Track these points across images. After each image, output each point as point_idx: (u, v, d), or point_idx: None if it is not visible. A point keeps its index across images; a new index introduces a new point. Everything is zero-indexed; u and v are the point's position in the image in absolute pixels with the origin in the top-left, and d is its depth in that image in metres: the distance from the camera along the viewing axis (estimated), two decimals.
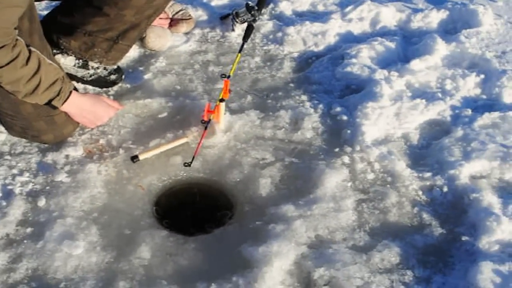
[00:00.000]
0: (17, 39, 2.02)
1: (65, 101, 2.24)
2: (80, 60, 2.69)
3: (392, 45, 2.93)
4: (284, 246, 1.98)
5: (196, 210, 2.27)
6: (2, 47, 1.95)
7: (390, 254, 1.98)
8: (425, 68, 2.74)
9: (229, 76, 2.39)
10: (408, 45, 2.99)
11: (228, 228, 2.15)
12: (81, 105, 2.33)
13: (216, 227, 2.16)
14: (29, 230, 2.08)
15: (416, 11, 3.22)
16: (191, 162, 2.31)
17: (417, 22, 3.14)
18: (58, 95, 2.20)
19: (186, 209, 2.24)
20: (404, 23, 3.16)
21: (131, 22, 2.57)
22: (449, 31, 3.11)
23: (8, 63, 1.99)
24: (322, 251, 1.98)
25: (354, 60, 2.81)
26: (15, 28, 1.99)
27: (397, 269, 1.94)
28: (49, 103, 2.20)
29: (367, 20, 3.17)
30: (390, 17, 3.18)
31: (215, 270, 1.96)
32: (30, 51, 2.08)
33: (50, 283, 1.90)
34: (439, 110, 2.53)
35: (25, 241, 2.03)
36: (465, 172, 2.24)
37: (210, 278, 1.91)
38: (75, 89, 2.36)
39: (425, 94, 2.60)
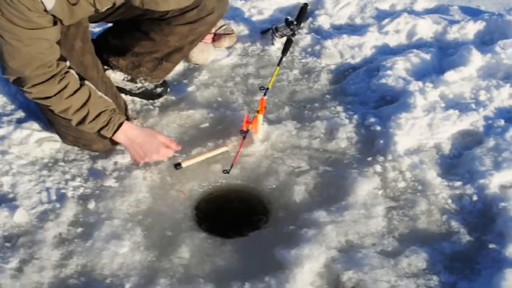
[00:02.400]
0: (67, 72, 2.20)
1: (115, 131, 2.34)
2: (129, 76, 2.86)
3: (427, 56, 2.97)
4: (315, 249, 2.05)
5: (234, 214, 2.36)
6: (49, 79, 2.15)
7: (417, 260, 2.02)
8: (459, 79, 2.77)
9: (265, 93, 2.52)
10: (443, 56, 3.01)
11: (263, 232, 2.25)
12: (133, 138, 2.39)
13: (252, 231, 2.25)
14: (79, 230, 2.22)
15: (452, 22, 3.25)
16: (229, 170, 2.43)
17: (453, 34, 3.16)
18: (106, 125, 2.32)
19: (224, 214, 2.34)
20: (440, 34, 3.20)
21: (175, 46, 2.73)
22: (485, 42, 3.11)
23: (55, 94, 2.19)
24: (352, 255, 2.04)
25: (389, 72, 2.86)
26: (62, 60, 2.18)
27: (424, 274, 1.98)
28: (99, 131, 2.34)
29: (404, 32, 3.22)
30: (426, 29, 3.22)
31: (249, 270, 2.06)
32: (81, 84, 2.25)
33: (97, 279, 2.03)
34: (472, 121, 2.55)
35: (75, 240, 2.17)
36: (495, 182, 2.26)
37: (244, 278, 2.00)
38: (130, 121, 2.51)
39: (458, 105, 2.63)
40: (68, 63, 2.25)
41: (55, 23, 2.09)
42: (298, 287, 1.94)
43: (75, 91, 2.24)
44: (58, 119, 2.47)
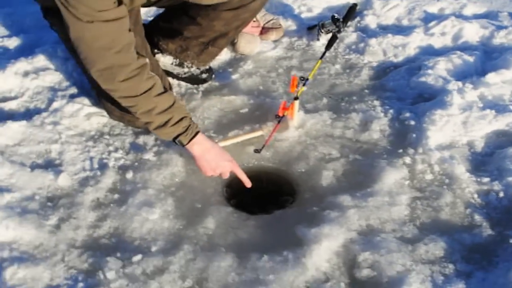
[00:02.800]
0: (152, 76, 2.29)
1: (191, 138, 2.32)
2: (177, 60, 2.98)
3: (470, 58, 2.95)
4: (335, 230, 2.10)
5: (262, 194, 2.42)
6: (136, 75, 2.22)
7: (435, 248, 2.03)
8: (500, 82, 2.74)
9: (304, 83, 2.57)
10: (487, 60, 2.98)
11: (288, 211, 2.31)
12: (207, 149, 2.35)
13: (277, 209, 2.32)
14: (116, 196, 2.35)
15: (500, 28, 3.21)
16: (261, 149, 2.51)
17: (499, 39, 3.12)
18: (185, 131, 2.31)
19: (253, 193, 2.39)
20: (486, 39, 3.16)
21: (220, 31, 2.82)
22: None
23: (143, 93, 2.25)
24: (370, 239, 2.07)
25: (430, 71, 2.87)
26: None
27: (440, 261, 1.99)
28: (176, 138, 2.33)
29: (449, 35, 3.20)
30: (473, 33, 3.19)
31: (269, 244, 2.12)
32: (165, 89, 2.32)
33: (127, 240, 2.15)
34: (508, 122, 2.52)
35: (111, 205, 2.30)
36: None
37: (263, 250, 2.07)
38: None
39: (496, 106, 2.60)
40: (148, 61, 2.32)
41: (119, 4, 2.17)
42: (313, 262, 1.99)
43: (162, 93, 2.29)
44: (107, 95, 2.61)
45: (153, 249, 2.11)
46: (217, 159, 2.35)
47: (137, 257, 2.07)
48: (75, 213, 2.26)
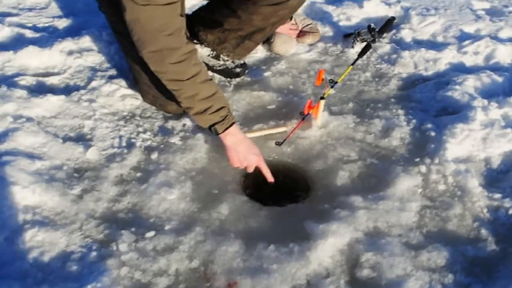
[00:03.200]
0: (199, 62, 2.38)
1: (226, 128, 2.39)
2: (214, 52, 3.08)
3: (499, 79, 2.94)
4: (343, 228, 2.14)
5: (278, 188, 2.47)
6: (185, 60, 2.30)
7: (438, 256, 2.05)
8: None
9: (333, 86, 2.65)
10: None
11: (299, 206, 2.36)
12: (238, 141, 2.42)
13: (290, 203, 2.38)
14: (138, 174, 2.45)
15: None
16: (282, 143, 2.59)
17: None
18: (223, 120, 2.38)
19: (269, 186, 2.44)
20: None
21: (258, 26, 2.90)
22: None
23: (189, 78, 2.34)
24: (375, 240, 2.11)
25: (457, 87, 2.88)
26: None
27: (441, 270, 2.01)
28: (212, 126, 2.40)
29: (482, 54, 3.20)
30: (505, 55, 3.18)
31: (277, 235, 2.18)
32: (210, 78, 2.41)
33: (142, 217, 2.24)
34: None
35: (133, 182, 2.40)
36: None
37: (270, 240, 2.13)
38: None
39: None
40: (196, 47, 2.40)
41: None
42: (317, 257, 2.04)
43: (206, 80, 2.39)
44: (143, 78, 2.71)
45: (167, 227, 2.20)
46: (246, 152, 2.41)
47: (150, 234, 2.16)
48: (98, 186, 2.37)
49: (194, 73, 2.35)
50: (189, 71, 2.34)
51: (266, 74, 3.14)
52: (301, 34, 3.43)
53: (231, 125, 2.41)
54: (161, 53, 2.29)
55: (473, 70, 3.11)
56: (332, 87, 2.69)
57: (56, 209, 2.22)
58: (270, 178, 2.45)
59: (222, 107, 2.40)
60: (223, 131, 2.40)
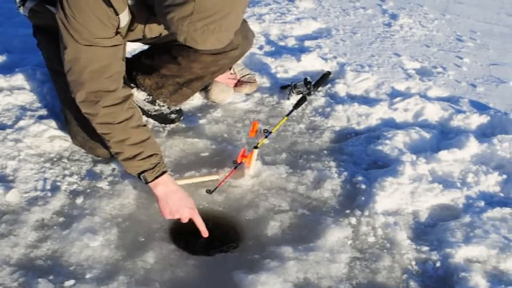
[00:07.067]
0: (133, 107, 2.29)
1: (157, 177, 2.24)
2: (151, 97, 2.97)
3: (427, 135, 2.96)
4: (272, 279, 2.04)
5: (207, 237, 2.33)
6: (119, 104, 2.21)
7: None
8: (452, 160, 2.75)
9: (267, 136, 2.59)
10: (443, 139, 2.99)
11: (229, 256, 2.24)
12: (170, 192, 2.26)
13: (219, 253, 2.26)
14: (61, 219, 2.28)
15: (459, 112, 3.24)
16: (212, 191, 2.45)
17: (457, 121, 3.15)
18: (153, 168, 2.23)
19: (198, 234, 2.30)
20: (445, 120, 3.19)
21: (197, 74, 2.83)
22: (486, 134, 3.08)
23: (121, 122, 2.22)
24: None
25: (387, 141, 2.87)
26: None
27: None
28: (141, 173, 2.25)
29: (412, 112, 3.23)
30: (433, 113, 3.22)
31: (205, 286, 2.07)
32: (143, 124, 2.31)
33: (62, 264, 2.08)
34: (454, 197, 2.51)
35: (54, 227, 2.24)
36: (461, 254, 2.20)
37: None
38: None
39: (444, 181, 2.60)
40: (132, 92, 2.33)
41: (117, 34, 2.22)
42: None
43: (139, 126, 2.27)
44: (74, 119, 2.57)
45: (88, 276, 2.04)
46: (178, 204, 2.25)
47: (70, 282, 2.00)
48: (16, 230, 2.19)
49: (126, 117, 2.24)
50: (121, 115, 2.23)
51: (202, 121, 3.04)
52: (239, 83, 3.38)
53: (162, 174, 2.26)
54: (96, 94, 2.19)
55: (403, 126, 3.12)
56: (266, 137, 2.62)
57: None
58: (204, 232, 2.29)
59: (153, 154, 2.27)
60: (153, 180, 2.25)
